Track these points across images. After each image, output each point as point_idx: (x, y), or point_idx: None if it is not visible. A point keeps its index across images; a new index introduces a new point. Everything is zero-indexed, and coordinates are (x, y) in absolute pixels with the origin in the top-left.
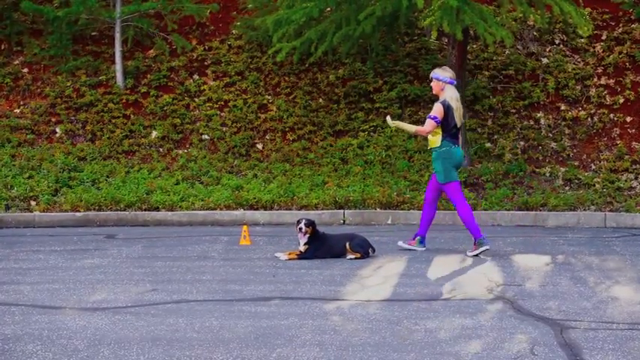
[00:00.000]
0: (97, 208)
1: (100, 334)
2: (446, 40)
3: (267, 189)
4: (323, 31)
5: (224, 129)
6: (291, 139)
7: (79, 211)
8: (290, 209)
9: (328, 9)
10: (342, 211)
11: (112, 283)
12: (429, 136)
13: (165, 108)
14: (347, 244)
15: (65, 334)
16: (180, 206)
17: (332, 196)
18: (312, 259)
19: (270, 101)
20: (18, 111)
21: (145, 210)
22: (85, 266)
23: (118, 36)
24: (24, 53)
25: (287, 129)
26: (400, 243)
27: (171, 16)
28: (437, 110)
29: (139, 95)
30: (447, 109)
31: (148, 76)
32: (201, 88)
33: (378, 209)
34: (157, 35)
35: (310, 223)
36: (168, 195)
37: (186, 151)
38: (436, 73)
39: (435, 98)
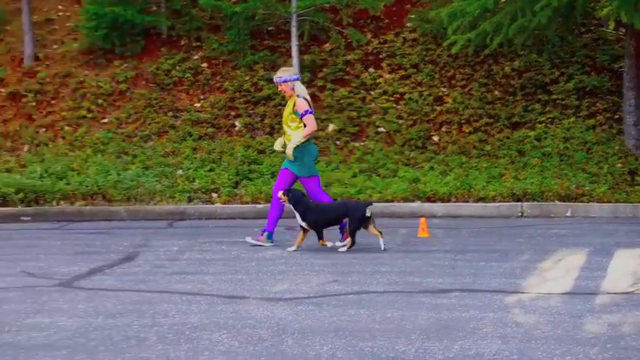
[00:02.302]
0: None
1: (283, 323)
2: (623, 31)
3: (443, 181)
4: (498, 23)
5: (400, 121)
6: (467, 131)
7: (259, 203)
8: (467, 201)
9: (503, 0)
10: (519, 203)
11: (294, 274)
12: (290, 131)
13: (341, 101)
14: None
15: (250, 324)
16: (357, 198)
17: (509, 189)
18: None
19: (446, 93)
20: (198, 105)
21: None
22: (266, 257)
23: (294, 30)
24: (203, 48)
25: (463, 121)
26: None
27: (347, 9)
28: (304, 104)
29: (315, 89)
30: (308, 101)
31: (324, 69)
32: (377, 81)
33: (556, 202)
34: (333, 29)
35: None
36: (346, 187)
37: (362, 143)
38: (281, 76)
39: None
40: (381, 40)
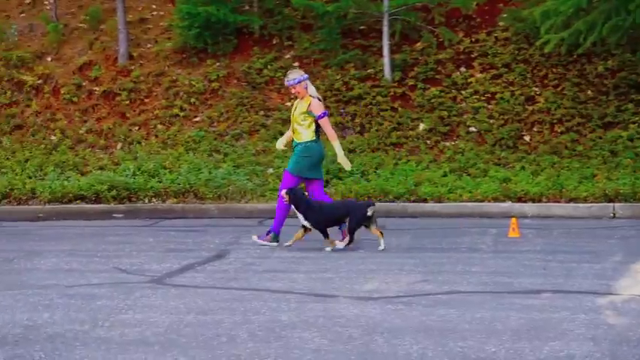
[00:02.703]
0: (366, 199)
1: (373, 322)
2: None
3: (535, 181)
4: (592, 22)
5: (491, 121)
6: (559, 131)
7: None
8: (558, 202)
9: None
10: (611, 204)
11: (384, 273)
12: (302, 129)
13: (432, 100)
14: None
15: (340, 322)
16: (447, 198)
17: (601, 189)
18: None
19: (538, 93)
20: (289, 104)
21: (413, 201)
22: (356, 256)
23: (385, 29)
24: (294, 47)
25: (555, 121)
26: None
27: (439, 8)
28: (320, 106)
29: (406, 88)
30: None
31: (415, 68)
32: (468, 80)
33: None
34: (424, 28)
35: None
36: (436, 187)
37: (453, 143)
38: (295, 78)
39: None
40: (473, 40)
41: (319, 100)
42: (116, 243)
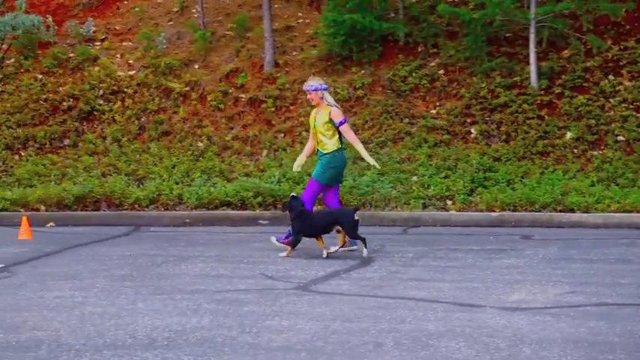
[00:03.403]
0: (511, 208)
1: (520, 333)
2: None
3: None
4: None
5: None
6: None
7: (494, 211)
8: None
9: None
10: None
11: (530, 284)
12: (326, 140)
13: (579, 109)
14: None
15: (486, 332)
16: (595, 208)
17: None
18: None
19: None
20: (434, 112)
21: (560, 211)
22: (502, 266)
23: (532, 37)
24: (440, 55)
25: None
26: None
27: (587, 15)
28: (340, 113)
29: (552, 96)
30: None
31: (562, 76)
32: (617, 88)
33: None
34: (572, 35)
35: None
36: (583, 196)
37: (601, 152)
38: (312, 85)
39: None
40: (622, 47)
41: (338, 107)
42: (262, 249)
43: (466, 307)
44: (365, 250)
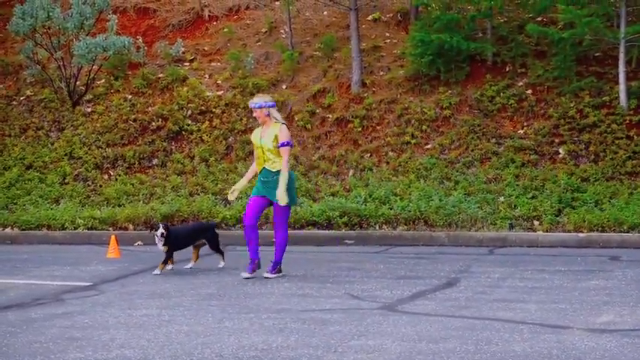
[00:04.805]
0: (599, 229)
1: (608, 355)
2: None
3: None
4: None
5: None
6: None
7: (581, 231)
8: None
9: None
10: None
11: (619, 306)
12: (276, 158)
13: None
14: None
15: (574, 355)
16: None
17: None
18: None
19: None
20: (522, 132)
21: None
22: (589, 287)
23: (622, 56)
24: (528, 75)
25: None
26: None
27: None
28: (288, 135)
29: None
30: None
31: None
32: None
33: None
34: None
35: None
36: None
37: None
38: (257, 102)
39: None
40: None
41: (286, 125)
42: (347, 269)
43: (553, 328)
44: (222, 263)
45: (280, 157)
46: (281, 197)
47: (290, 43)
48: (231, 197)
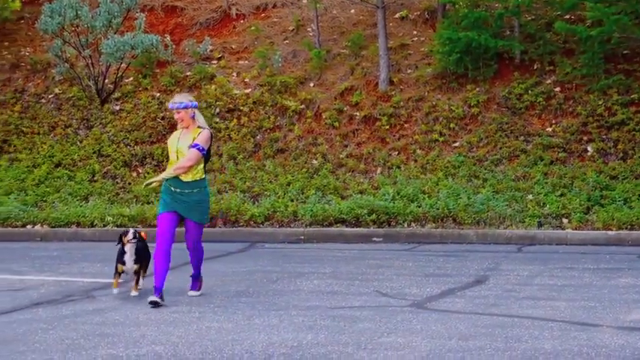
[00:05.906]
0: (629, 227)
1: (639, 353)
2: None
3: None
4: None
5: None
6: None
7: (610, 229)
8: None
9: None
10: None
11: None
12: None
13: None
14: None
15: (604, 352)
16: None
17: None
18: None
19: None
20: (550, 129)
21: None
22: (619, 285)
23: None
24: (556, 72)
25: None
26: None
27: None
28: (206, 139)
29: None
30: (211, 136)
31: None
32: None
33: None
34: None
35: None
36: None
37: None
38: (182, 102)
39: None
40: None
41: (209, 132)
42: (376, 267)
43: (583, 326)
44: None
45: (198, 165)
46: (148, 182)
47: (317, 41)
48: (145, 184)
